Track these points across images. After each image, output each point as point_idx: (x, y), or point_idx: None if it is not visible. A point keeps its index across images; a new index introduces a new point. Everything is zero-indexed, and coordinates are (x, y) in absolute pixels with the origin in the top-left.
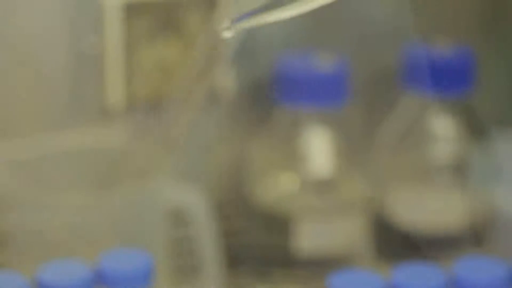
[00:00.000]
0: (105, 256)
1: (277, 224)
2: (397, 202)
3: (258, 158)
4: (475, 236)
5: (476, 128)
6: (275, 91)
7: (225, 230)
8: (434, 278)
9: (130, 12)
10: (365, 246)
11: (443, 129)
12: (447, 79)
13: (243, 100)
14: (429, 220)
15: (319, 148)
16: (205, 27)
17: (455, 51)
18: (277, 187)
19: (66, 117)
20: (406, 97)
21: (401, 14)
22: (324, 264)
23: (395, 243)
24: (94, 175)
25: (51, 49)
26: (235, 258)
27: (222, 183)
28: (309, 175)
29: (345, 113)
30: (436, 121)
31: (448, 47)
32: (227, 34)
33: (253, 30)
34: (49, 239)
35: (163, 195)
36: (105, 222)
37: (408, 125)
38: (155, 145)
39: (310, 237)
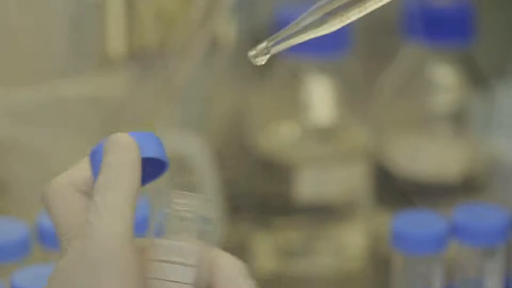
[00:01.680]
0: None
1: (278, 172)
2: (397, 150)
3: (259, 107)
4: (474, 184)
5: (475, 78)
6: None
7: (226, 178)
8: (435, 225)
9: None
10: (365, 194)
11: (443, 79)
12: (447, 29)
13: (244, 49)
14: (428, 168)
15: (319, 97)
16: None
17: (455, 1)
18: (278, 136)
19: (67, 66)
20: (406, 47)
21: None
22: (324, 212)
23: (395, 191)
24: (95, 123)
25: None
26: (236, 206)
27: (223, 131)
28: (310, 123)
29: (346, 63)
30: (436, 71)
31: None
32: (258, 61)
33: None
34: None
35: (164, 142)
36: None
37: (408, 74)
38: (156, 94)
39: (311, 185)
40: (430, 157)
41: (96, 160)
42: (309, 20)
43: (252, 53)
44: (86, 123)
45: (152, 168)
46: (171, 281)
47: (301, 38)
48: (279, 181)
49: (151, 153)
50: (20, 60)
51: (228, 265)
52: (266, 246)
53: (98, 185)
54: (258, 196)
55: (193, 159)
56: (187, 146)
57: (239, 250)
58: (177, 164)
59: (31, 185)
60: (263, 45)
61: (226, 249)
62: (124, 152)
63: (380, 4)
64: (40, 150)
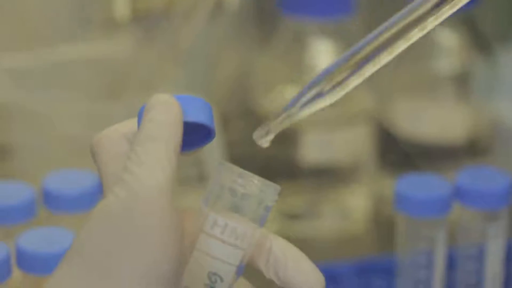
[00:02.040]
0: None
1: (282, 135)
2: (400, 113)
3: (264, 69)
4: (477, 147)
5: (479, 42)
6: (279, 3)
7: (230, 140)
8: (438, 188)
9: None
10: (369, 157)
11: (446, 42)
12: None
13: (248, 11)
14: (432, 132)
15: (323, 60)
16: None
17: None
18: (282, 98)
19: (72, 30)
20: None
21: None
22: (328, 175)
23: (399, 154)
24: (100, 87)
25: None
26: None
27: (228, 94)
28: None
29: (350, 25)
30: (440, 34)
31: None
32: (263, 143)
33: None
34: (55, 149)
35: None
36: None
37: None
38: (160, 56)
39: (315, 148)
40: (433, 120)
41: (141, 118)
42: (306, 97)
43: (256, 134)
44: (91, 87)
45: (197, 134)
46: (215, 257)
47: (301, 116)
48: (283, 144)
49: (195, 117)
50: (25, 24)
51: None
52: (272, 209)
53: (139, 136)
54: (262, 159)
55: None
56: None
57: None
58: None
59: (37, 149)
60: (266, 127)
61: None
62: (165, 108)
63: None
64: (45, 114)
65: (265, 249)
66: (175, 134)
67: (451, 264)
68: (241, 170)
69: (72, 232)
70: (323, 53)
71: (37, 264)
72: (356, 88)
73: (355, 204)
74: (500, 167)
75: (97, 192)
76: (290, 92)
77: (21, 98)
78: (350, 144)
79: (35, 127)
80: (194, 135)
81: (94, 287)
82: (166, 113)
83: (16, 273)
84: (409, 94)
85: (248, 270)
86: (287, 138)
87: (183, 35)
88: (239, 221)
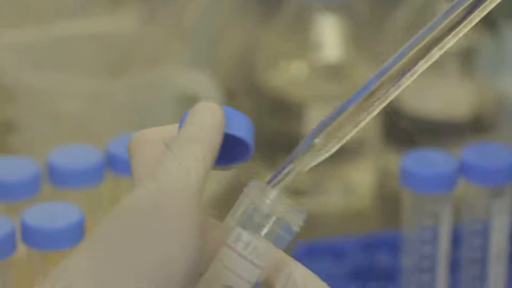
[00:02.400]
0: (115, 141)
1: (287, 110)
2: (406, 89)
3: (268, 45)
4: (483, 123)
5: (484, 18)
6: None
7: None
8: (443, 164)
9: None
10: (374, 132)
11: None
12: None
13: None
14: (437, 107)
15: (328, 35)
16: None
17: None
18: (287, 74)
19: (76, 5)
20: None
21: None
22: None
23: (404, 130)
24: (105, 62)
25: None
26: None
27: (233, 70)
28: (318, 61)
29: (355, 1)
30: (444, 8)
31: None
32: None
33: None
34: (60, 124)
35: (174, 81)
36: (117, 107)
37: (417, 12)
38: (165, 33)
39: None
40: (439, 96)
41: (183, 122)
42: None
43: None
44: (94, 63)
45: (234, 150)
46: (234, 272)
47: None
48: (288, 120)
49: (235, 131)
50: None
51: None
52: None
53: (178, 136)
54: (267, 134)
55: (203, 97)
56: (197, 84)
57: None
58: (187, 102)
59: (42, 125)
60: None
61: (235, 187)
62: (208, 113)
63: None
64: (49, 90)
65: (285, 273)
66: (214, 139)
67: (456, 240)
68: (273, 191)
69: (76, 207)
70: (327, 29)
71: (42, 239)
72: (360, 63)
73: (360, 180)
74: (505, 143)
75: (102, 168)
76: (295, 67)
77: (24, 74)
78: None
79: (39, 103)
80: (231, 151)
81: (108, 274)
82: (208, 117)
83: (21, 248)
84: None
85: None
86: (292, 113)
87: (188, 11)
88: (262, 240)
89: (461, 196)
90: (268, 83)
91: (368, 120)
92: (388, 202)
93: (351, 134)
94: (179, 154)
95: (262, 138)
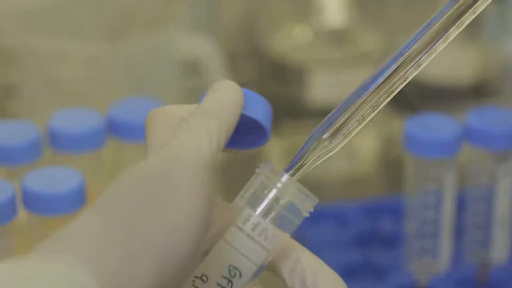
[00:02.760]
0: (116, 106)
1: (289, 74)
2: None
3: (271, 9)
4: (487, 88)
5: None
6: None
7: (237, 80)
8: (447, 129)
9: None
10: None
11: None
12: None
13: None
14: (441, 72)
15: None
16: None
17: None
18: (290, 38)
19: None
20: None
21: None
22: None
23: (408, 95)
24: (105, 26)
25: None
26: None
27: (235, 33)
28: (322, 26)
29: None
30: None
31: None
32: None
33: None
34: (61, 88)
35: (176, 45)
36: (117, 72)
37: None
38: None
39: (322, 88)
40: (442, 61)
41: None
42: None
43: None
44: (95, 27)
45: (250, 134)
46: (241, 252)
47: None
48: (290, 84)
49: (253, 113)
50: None
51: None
52: (277, 150)
53: (195, 110)
54: (269, 99)
55: (205, 61)
56: (199, 48)
57: (249, 154)
58: (189, 66)
59: (42, 89)
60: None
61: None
62: (227, 91)
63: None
64: (50, 54)
65: (292, 259)
66: (231, 116)
67: (460, 205)
68: (285, 175)
69: (77, 172)
70: None
71: (43, 204)
72: (364, 28)
73: (363, 145)
74: (509, 107)
75: (103, 132)
76: (298, 32)
77: (24, 39)
78: (357, 85)
79: (40, 67)
80: (248, 135)
81: (114, 240)
82: (228, 95)
83: (22, 213)
84: None
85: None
86: (295, 78)
87: None
88: (271, 223)
89: (465, 161)
90: (271, 46)
91: (375, 114)
92: (391, 167)
93: (358, 129)
94: (193, 125)
95: None
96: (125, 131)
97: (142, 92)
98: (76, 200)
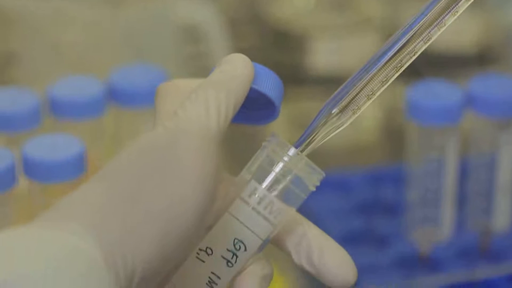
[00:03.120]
0: (116, 73)
1: (291, 41)
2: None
3: None
4: (489, 55)
5: None
6: None
7: (238, 47)
8: (450, 96)
9: None
10: None
11: None
12: None
13: None
14: (443, 39)
15: None
16: None
17: None
18: (292, 4)
19: None
20: None
21: None
22: (337, 82)
23: (413, 62)
24: None
25: None
26: None
27: (236, 0)
28: None
29: None
30: None
31: None
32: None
33: None
34: (61, 54)
35: (175, 11)
36: (117, 37)
37: None
38: None
39: (324, 55)
40: (447, 28)
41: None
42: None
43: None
44: None
45: (261, 109)
46: (246, 226)
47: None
48: (292, 51)
49: (264, 88)
50: None
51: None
52: (279, 117)
53: (205, 81)
54: (271, 66)
55: (205, 27)
56: (200, 14)
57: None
58: (189, 32)
59: (42, 56)
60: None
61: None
62: (238, 63)
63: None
64: (50, 19)
65: (298, 233)
66: (240, 88)
67: (462, 173)
68: (292, 148)
69: (78, 139)
70: None
71: (43, 172)
72: None
73: (366, 114)
74: None
75: (103, 99)
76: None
77: (24, 2)
78: (360, 50)
79: (39, 33)
80: (257, 111)
81: (118, 208)
82: (238, 67)
83: (23, 181)
84: (419, 1)
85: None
86: (297, 44)
87: None
88: (276, 197)
89: (468, 129)
90: (273, 13)
91: (384, 88)
92: (393, 135)
93: (366, 104)
94: (202, 96)
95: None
96: (126, 98)
97: (141, 58)
98: (77, 167)
